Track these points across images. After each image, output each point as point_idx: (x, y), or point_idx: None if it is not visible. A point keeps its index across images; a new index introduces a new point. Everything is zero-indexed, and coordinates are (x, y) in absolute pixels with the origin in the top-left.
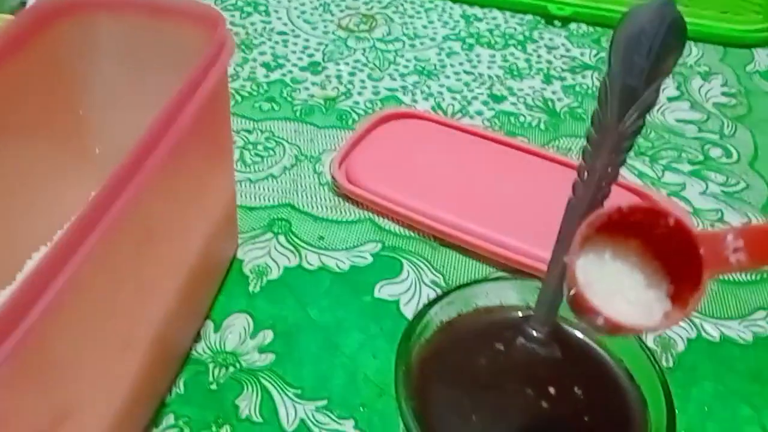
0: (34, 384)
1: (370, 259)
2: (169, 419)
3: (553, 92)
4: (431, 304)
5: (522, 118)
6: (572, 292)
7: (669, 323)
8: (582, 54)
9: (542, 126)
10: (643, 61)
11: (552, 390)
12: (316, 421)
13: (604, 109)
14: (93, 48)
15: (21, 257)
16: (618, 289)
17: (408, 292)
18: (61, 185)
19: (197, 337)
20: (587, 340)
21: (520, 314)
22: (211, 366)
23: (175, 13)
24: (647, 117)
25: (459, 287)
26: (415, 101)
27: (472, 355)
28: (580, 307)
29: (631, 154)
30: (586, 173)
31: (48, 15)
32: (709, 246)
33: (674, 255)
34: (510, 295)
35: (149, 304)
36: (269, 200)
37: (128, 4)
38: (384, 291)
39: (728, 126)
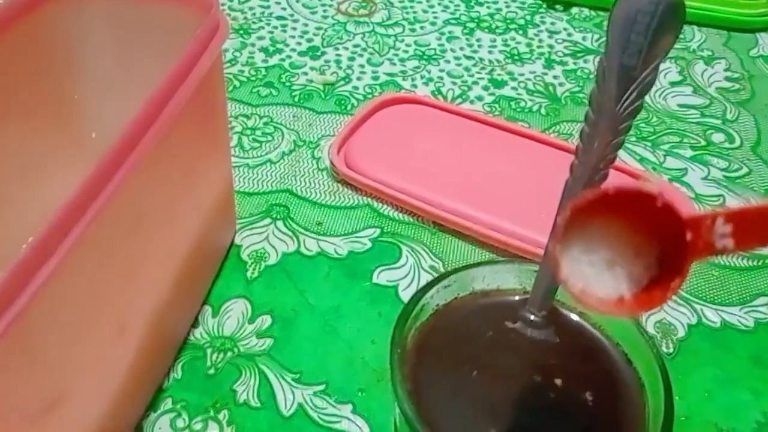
0: (25, 367)
1: (369, 244)
2: (167, 403)
3: (555, 77)
4: (428, 287)
5: (523, 103)
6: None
7: (649, 308)
8: (584, 38)
9: (543, 111)
10: (641, 40)
11: (548, 373)
12: (315, 405)
13: (602, 89)
14: (84, 31)
15: (17, 243)
16: (602, 274)
17: (407, 277)
18: (58, 171)
19: (195, 323)
20: (584, 323)
21: (517, 298)
22: (209, 351)
23: None
24: (648, 100)
25: (455, 270)
26: (414, 86)
27: (468, 339)
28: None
29: (633, 139)
30: (583, 155)
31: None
32: (696, 231)
33: (663, 237)
34: (507, 279)
35: (143, 290)
36: (267, 186)
37: None
38: (383, 276)
39: (731, 111)
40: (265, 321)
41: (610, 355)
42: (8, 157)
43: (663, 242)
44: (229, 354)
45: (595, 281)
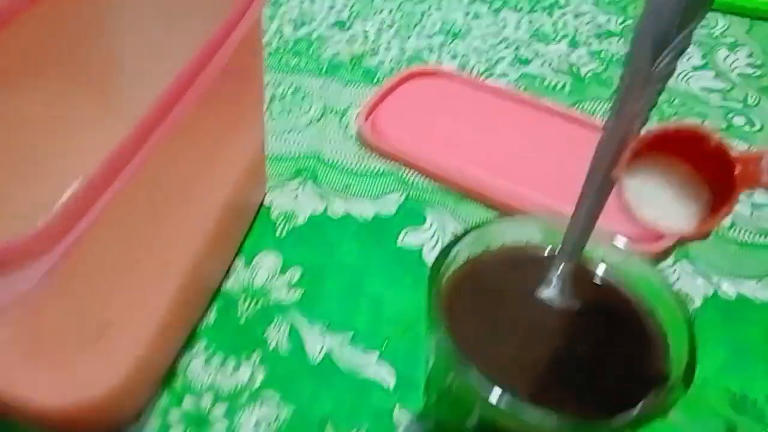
0: (83, 290)
1: (394, 209)
2: (201, 344)
3: (579, 57)
4: (459, 237)
5: (547, 82)
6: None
7: (702, 230)
8: (608, 20)
9: (567, 89)
10: (675, 5)
11: (575, 323)
12: (342, 352)
13: (637, 51)
14: None
15: (54, 194)
16: (660, 200)
17: (431, 240)
18: (95, 129)
19: (227, 274)
20: (610, 279)
21: (546, 253)
22: (240, 299)
23: None
24: (671, 82)
25: (485, 223)
26: (440, 61)
27: (498, 289)
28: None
29: (655, 119)
30: (617, 114)
31: None
32: (744, 166)
33: (715, 174)
34: (534, 234)
35: (181, 238)
36: (296, 152)
37: None
38: (407, 239)
39: (752, 96)
40: (295, 274)
41: (635, 309)
42: (48, 112)
43: (714, 178)
44: (260, 303)
45: (657, 210)
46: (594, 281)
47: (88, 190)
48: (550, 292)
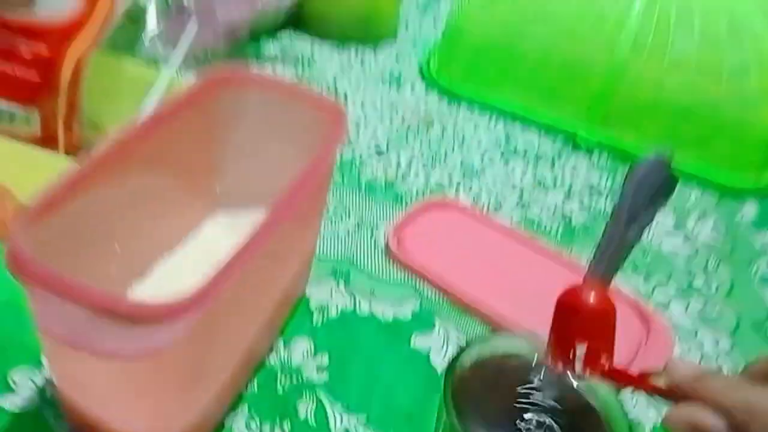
0: (196, 348)
1: (410, 314)
2: (245, 408)
3: (571, 209)
4: (467, 347)
5: (543, 225)
6: None
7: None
8: (600, 179)
9: (558, 235)
10: (644, 200)
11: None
12: (357, 430)
13: (615, 220)
14: (239, 112)
15: (150, 259)
16: None
17: (438, 345)
18: (186, 209)
19: (270, 351)
20: (582, 389)
21: (532, 362)
22: (279, 374)
23: (308, 99)
24: (645, 242)
25: (486, 337)
26: (457, 194)
27: (495, 388)
28: None
29: (629, 270)
30: (597, 261)
31: (216, 83)
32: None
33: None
34: (524, 346)
35: (254, 319)
36: (334, 255)
37: (274, 84)
38: (418, 342)
39: (712, 262)
40: (324, 358)
41: (596, 413)
42: (154, 192)
43: None
44: (295, 379)
45: None
46: (568, 387)
47: (225, 269)
48: (534, 392)
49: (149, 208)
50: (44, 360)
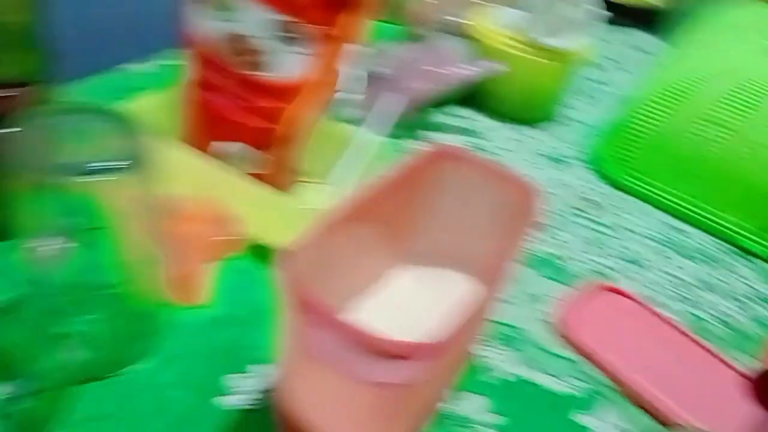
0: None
1: (577, 391)
2: None
3: (739, 315)
4: None
5: (708, 325)
6: None
7: None
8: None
9: (724, 336)
10: None
11: None
12: None
13: None
14: (447, 182)
15: (339, 303)
16: None
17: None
18: (381, 258)
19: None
20: None
21: None
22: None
23: (505, 178)
24: None
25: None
26: (621, 281)
27: None
28: None
29: None
30: None
31: (436, 156)
32: None
33: None
34: None
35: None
36: (506, 321)
37: (479, 165)
38: (583, 419)
39: None
40: (488, 417)
41: None
42: (358, 247)
43: None
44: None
45: None
46: None
47: (461, 326)
48: None
49: (351, 252)
50: (278, 373)
